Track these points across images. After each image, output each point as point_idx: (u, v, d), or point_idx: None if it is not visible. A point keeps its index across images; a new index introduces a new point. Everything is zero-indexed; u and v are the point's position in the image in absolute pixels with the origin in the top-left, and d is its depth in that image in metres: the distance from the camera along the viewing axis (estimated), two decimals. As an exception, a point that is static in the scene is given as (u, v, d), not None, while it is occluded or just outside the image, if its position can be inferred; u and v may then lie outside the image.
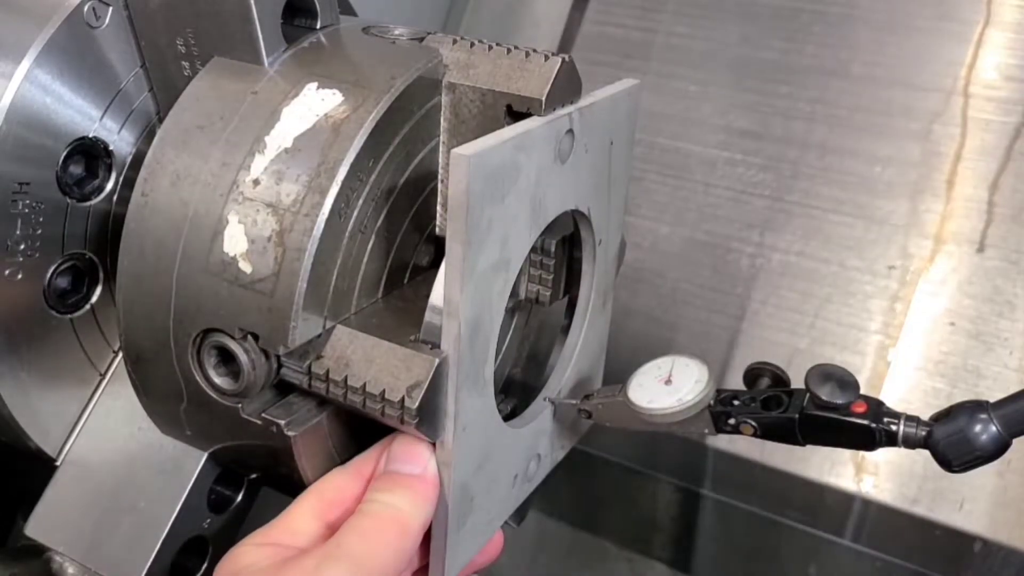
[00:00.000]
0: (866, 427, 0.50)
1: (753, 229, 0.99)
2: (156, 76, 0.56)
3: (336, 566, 0.45)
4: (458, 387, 0.47)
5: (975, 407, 0.49)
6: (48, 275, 0.55)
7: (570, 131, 0.52)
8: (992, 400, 0.50)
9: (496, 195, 0.45)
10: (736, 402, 0.54)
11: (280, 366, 0.49)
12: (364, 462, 0.51)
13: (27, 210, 0.52)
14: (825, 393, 0.51)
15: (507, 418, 0.57)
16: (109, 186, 0.57)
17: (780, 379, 0.56)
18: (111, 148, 0.56)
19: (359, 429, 0.53)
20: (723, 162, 1.02)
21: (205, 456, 0.56)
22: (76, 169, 0.55)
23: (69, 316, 0.57)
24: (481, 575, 0.60)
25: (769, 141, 1.00)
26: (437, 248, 0.57)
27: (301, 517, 0.49)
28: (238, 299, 0.48)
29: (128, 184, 0.56)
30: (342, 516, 0.48)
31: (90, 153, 0.56)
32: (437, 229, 0.56)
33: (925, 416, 0.51)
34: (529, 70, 0.51)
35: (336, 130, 0.48)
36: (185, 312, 0.49)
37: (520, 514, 0.65)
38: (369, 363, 0.47)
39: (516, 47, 0.52)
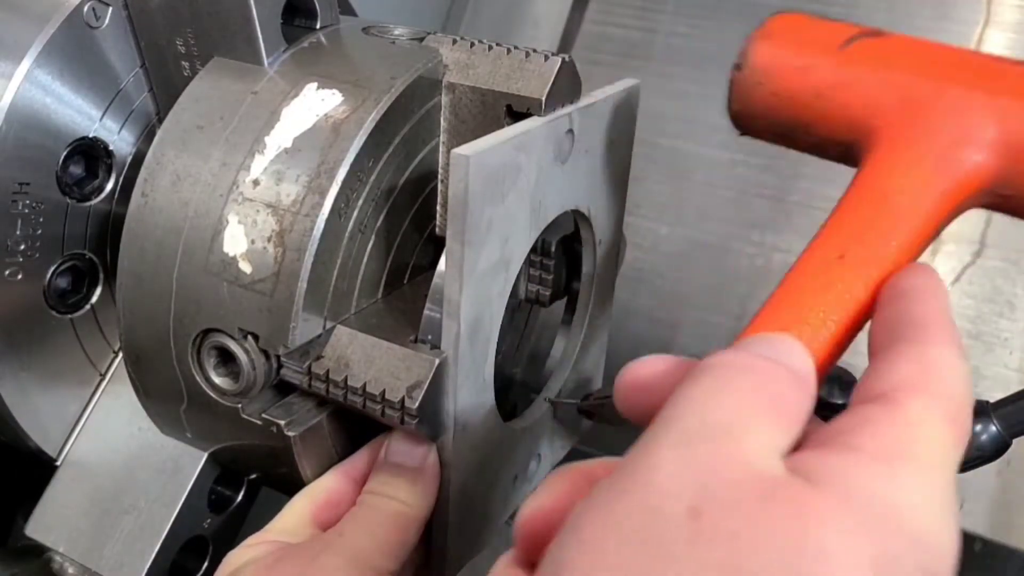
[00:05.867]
0: (866, 427, 0.50)
1: (754, 229, 0.99)
2: (156, 76, 0.56)
3: (335, 556, 0.44)
4: (458, 387, 0.47)
5: (975, 407, 0.49)
6: (48, 275, 0.55)
7: (570, 131, 0.51)
8: (992, 400, 0.50)
9: (496, 195, 0.45)
10: (736, 402, 0.54)
11: (280, 366, 0.49)
12: (354, 463, 0.51)
13: (27, 210, 0.52)
14: (825, 393, 0.51)
15: (507, 418, 0.57)
16: (109, 186, 0.57)
17: (780, 379, 0.56)
18: (111, 148, 0.56)
19: (359, 429, 0.53)
20: (723, 162, 1.02)
21: (205, 456, 0.56)
22: (76, 169, 0.55)
23: (69, 316, 0.57)
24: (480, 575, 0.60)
25: (769, 141, 1.00)
26: (437, 248, 0.57)
27: (295, 518, 0.49)
28: (238, 299, 0.48)
29: (128, 184, 0.56)
30: (334, 518, 0.48)
31: (90, 153, 0.56)
32: (437, 229, 0.56)
33: (925, 416, 0.51)
34: (529, 70, 0.51)
35: (336, 130, 0.48)
36: (185, 312, 0.49)
37: (520, 514, 0.65)
38: (369, 363, 0.47)
39: (516, 47, 0.52)
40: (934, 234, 0.35)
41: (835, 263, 0.33)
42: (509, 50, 0.52)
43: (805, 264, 0.34)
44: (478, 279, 0.46)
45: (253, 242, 0.48)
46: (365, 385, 0.47)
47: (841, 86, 0.39)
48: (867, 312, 0.32)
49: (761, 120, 0.43)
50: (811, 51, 0.41)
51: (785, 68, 0.41)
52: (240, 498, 0.61)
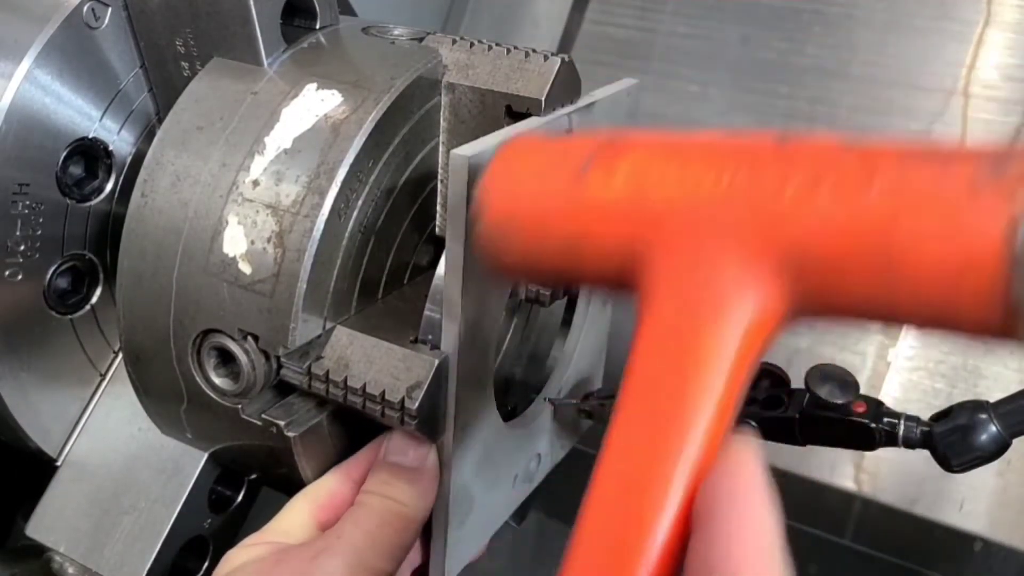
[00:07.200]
0: (866, 427, 0.50)
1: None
2: (156, 76, 0.56)
3: (334, 557, 0.44)
4: (458, 387, 0.47)
5: (975, 407, 0.49)
6: (48, 276, 0.55)
7: (569, 131, 0.51)
8: (992, 400, 0.50)
9: (496, 195, 0.45)
10: (736, 402, 0.54)
11: (280, 367, 0.49)
12: (354, 464, 0.51)
13: (27, 211, 0.52)
14: (825, 393, 0.51)
15: (507, 418, 0.57)
16: (109, 187, 0.57)
17: (780, 379, 0.56)
18: (111, 148, 0.56)
19: (359, 429, 0.53)
20: (723, 162, 1.02)
21: (205, 456, 0.56)
22: (76, 170, 0.55)
23: (69, 316, 0.57)
24: None
25: (769, 141, 1.00)
26: (437, 248, 0.57)
27: (294, 518, 0.49)
28: (238, 300, 0.48)
29: (128, 184, 0.56)
30: (333, 518, 0.48)
31: (90, 153, 0.56)
32: (437, 229, 0.56)
33: (925, 416, 0.51)
34: (529, 70, 0.51)
35: (335, 131, 0.48)
36: (185, 313, 0.49)
37: (520, 514, 0.65)
38: (369, 364, 0.47)
39: (516, 47, 0.52)
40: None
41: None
42: (509, 50, 0.52)
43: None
44: (478, 279, 0.46)
45: (253, 243, 0.48)
46: (365, 385, 0.47)
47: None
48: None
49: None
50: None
51: None
52: (240, 498, 0.61)
